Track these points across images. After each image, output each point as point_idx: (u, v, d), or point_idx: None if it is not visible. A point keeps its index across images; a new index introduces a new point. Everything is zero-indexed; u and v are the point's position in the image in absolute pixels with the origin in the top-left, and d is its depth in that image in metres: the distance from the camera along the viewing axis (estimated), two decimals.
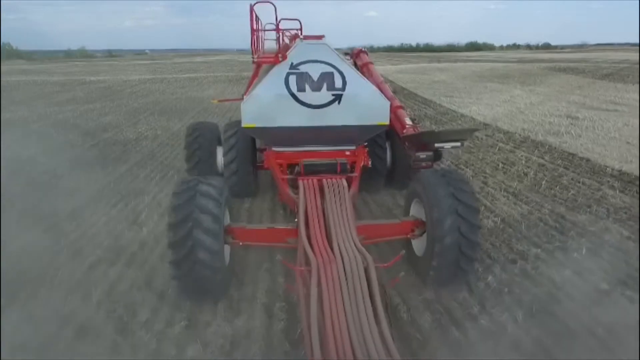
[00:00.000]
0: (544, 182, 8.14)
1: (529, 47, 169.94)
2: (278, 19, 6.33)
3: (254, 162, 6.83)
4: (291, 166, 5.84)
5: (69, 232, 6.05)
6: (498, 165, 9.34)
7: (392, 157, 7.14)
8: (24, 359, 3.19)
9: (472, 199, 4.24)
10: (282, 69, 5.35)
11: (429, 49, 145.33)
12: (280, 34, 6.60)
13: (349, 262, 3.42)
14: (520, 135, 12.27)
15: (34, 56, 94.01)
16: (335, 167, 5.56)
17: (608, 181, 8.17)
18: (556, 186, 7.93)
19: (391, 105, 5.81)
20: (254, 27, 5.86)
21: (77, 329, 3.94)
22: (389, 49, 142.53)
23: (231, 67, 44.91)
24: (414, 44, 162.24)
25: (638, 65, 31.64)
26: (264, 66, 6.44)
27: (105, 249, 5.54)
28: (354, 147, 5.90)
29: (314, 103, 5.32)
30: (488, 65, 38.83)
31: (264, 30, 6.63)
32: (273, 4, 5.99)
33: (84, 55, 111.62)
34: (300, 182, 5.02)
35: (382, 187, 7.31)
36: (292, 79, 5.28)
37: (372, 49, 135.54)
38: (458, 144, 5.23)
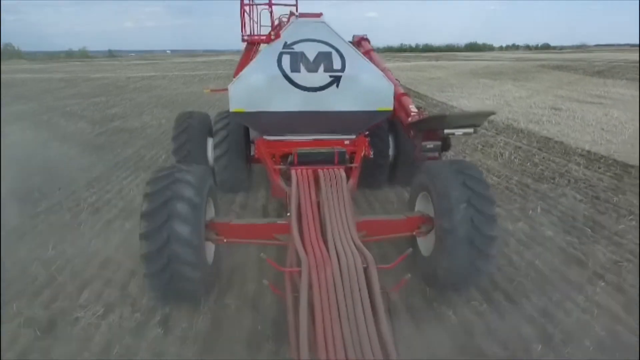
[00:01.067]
0: (517, 160, 8.92)
1: (528, 47, 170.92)
2: None
3: (247, 154, 6.36)
4: (284, 157, 5.28)
5: (87, 196, 6.83)
6: (477, 147, 10.11)
7: (395, 150, 6.70)
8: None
9: (486, 188, 3.80)
10: (274, 48, 4.82)
11: (428, 49, 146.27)
12: (272, 8, 6.07)
13: (345, 262, 3.08)
14: (503, 123, 13.04)
15: (35, 56, 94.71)
16: (332, 156, 5.01)
17: (576, 159, 8.94)
18: (527, 163, 8.70)
19: (395, 93, 5.27)
20: (244, 1, 5.51)
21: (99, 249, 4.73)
22: (389, 50, 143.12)
23: (231, 66, 45.73)
24: (413, 44, 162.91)
25: (638, 65, 32.15)
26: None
27: (120, 209, 6.31)
28: (353, 137, 5.30)
29: (309, 85, 4.76)
30: (483, 64, 39.64)
31: (255, 5, 6.12)
32: None
33: (85, 55, 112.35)
34: (293, 172, 4.62)
35: (385, 183, 6.88)
36: (286, 59, 4.73)
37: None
38: (470, 130, 4.59)
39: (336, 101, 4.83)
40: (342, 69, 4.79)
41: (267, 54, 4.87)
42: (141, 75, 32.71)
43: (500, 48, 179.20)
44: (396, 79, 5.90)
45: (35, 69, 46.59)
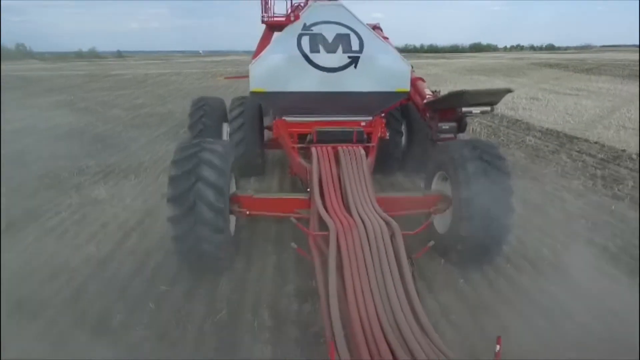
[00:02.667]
0: (484, 134, 10.87)
1: (532, 48, 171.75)
2: None
3: (261, 140, 6.60)
4: (302, 136, 5.32)
5: (139, 156, 8.87)
6: None
7: (407, 138, 6.87)
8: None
9: (507, 178, 3.89)
10: (294, 29, 4.90)
11: (433, 50, 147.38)
12: None
13: (372, 228, 3.21)
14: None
15: (43, 57, 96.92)
16: (351, 135, 5.10)
17: (533, 134, 10.88)
18: (492, 136, 10.66)
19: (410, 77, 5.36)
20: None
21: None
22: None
23: (238, 66, 47.76)
24: (418, 45, 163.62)
25: (638, 65, 33.56)
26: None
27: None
28: (370, 118, 5.35)
29: (328, 66, 4.81)
30: (480, 61, 41.46)
31: None
32: None
33: (94, 55, 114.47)
34: (314, 149, 4.75)
35: (397, 170, 7.04)
36: (305, 40, 4.79)
37: None
38: (488, 108, 4.66)
39: (354, 82, 4.88)
40: (361, 50, 4.83)
41: (286, 35, 4.93)
42: (157, 72, 34.85)
43: (505, 49, 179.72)
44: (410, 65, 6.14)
45: (51, 67, 48.91)
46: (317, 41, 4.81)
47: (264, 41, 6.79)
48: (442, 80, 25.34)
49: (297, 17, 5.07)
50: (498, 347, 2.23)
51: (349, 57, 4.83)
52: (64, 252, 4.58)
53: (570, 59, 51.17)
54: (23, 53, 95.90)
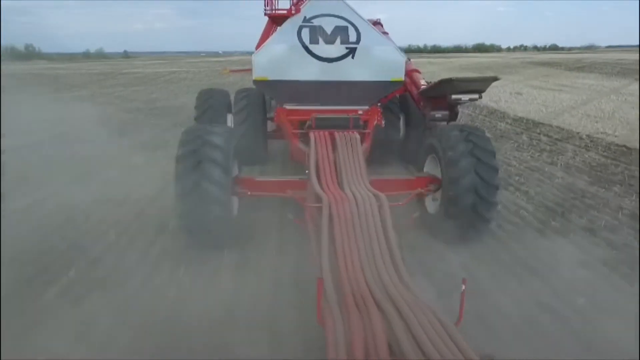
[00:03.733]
0: (462, 121, 12.35)
1: (536, 48, 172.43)
2: None
3: (264, 130, 6.80)
4: (302, 123, 5.63)
5: (163, 136, 10.44)
6: None
7: (405, 128, 7.11)
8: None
9: (492, 158, 4.13)
10: (295, 21, 5.21)
11: (436, 50, 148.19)
12: None
13: (361, 200, 3.43)
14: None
15: (50, 57, 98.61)
16: (347, 121, 5.37)
17: (506, 121, 12.38)
18: (472, 121, 12.15)
19: (406, 69, 5.67)
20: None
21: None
22: None
23: (243, 65, 49.46)
24: (422, 45, 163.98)
25: (638, 66, 34.63)
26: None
27: None
28: (367, 107, 5.61)
29: (327, 56, 5.12)
30: (477, 60, 42.85)
31: None
32: None
33: (102, 56, 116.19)
34: (312, 134, 5.00)
35: (395, 160, 7.23)
36: (305, 32, 5.10)
37: None
38: (476, 95, 5.00)
39: (351, 71, 5.17)
40: (358, 42, 5.12)
41: (288, 27, 5.24)
42: (167, 70, 36.54)
43: (508, 49, 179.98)
44: (408, 58, 6.37)
45: (65, 67, 50.78)
46: (316, 33, 5.11)
47: (266, 33, 7.03)
48: (438, 77, 26.82)
49: (298, 11, 5.37)
50: (463, 287, 2.47)
51: (347, 47, 5.12)
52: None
53: (568, 58, 52.43)
54: (32, 54, 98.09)
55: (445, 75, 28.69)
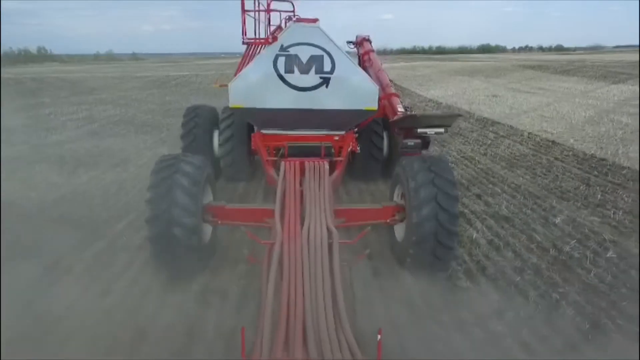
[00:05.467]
0: None
1: (541, 49, 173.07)
2: (269, 1, 6.37)
3: (249, 147, 6.69)
4: (278, 149, 5.80)
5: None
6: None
7: (389, 146, 7.25)
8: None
9: (452, 188, 4.20)
10: (271, 50, 5.26)
11: (441, 51, 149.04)
12: (270, 14, 6.44)
13: (314, 238, 3.49)
14: (445, 103, 18.56)
15: (65, 59, 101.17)
16: (319, 150, 5.51)
17: (469, 121, 14.45)
18: None
19: (385, 92, 5.91)
20: (244, 7, 5.78)
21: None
22: (402, 52, 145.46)
23: None
24: (426, 46, 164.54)
25: (638, 66, 35.91)
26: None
27: None
28: (342, 133, 5.76)
29: (301, 85, 5.21)
30: (470, 64, 44.78)
31: (257, 11, 6.47)
32: None
33: (111, 58, 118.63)
34: (282, 164, 5.08)
35: (379, 176, 7.40)
36: (281, 61, 5.19)
37: (385, 52, 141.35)
38: (442, 130, 5.08)
39: (326, 100, 5.27)
40: (332, 71, 5.22)
41: (264, 55, 5.34)
42: (177, 74, 38.89)
43: (513, 50, 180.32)
44: (390, 80, 6.60)
45: (79, 70, 53.40)
46: (292, 62, 5.22)
47: (245, 59, 7.13)
48: (428, 81, 28.94)
49: (275, 39, 5.45)
50: (379, 336, 2.51)
51: (321, 77, 5.23)
52: None
53: (566, 59, 53.99)
54: (45, 56, 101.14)
55: (436, 77, 30.83)
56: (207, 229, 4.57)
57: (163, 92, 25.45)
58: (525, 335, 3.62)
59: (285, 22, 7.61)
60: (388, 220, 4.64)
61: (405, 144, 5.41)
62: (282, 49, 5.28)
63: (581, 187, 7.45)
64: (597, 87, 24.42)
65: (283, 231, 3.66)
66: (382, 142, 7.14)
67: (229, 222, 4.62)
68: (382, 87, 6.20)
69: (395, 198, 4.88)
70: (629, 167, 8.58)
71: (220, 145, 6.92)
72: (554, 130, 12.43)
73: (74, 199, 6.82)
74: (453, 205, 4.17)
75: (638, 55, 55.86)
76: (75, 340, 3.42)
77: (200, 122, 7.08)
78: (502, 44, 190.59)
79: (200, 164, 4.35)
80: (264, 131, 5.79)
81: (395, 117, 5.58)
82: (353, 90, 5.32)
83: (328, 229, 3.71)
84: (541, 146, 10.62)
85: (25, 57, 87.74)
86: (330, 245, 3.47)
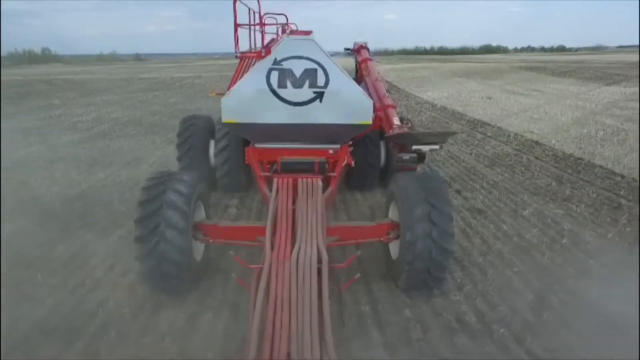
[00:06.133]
0: (427, 121, 15.21)
1: (543, 49, 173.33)
2: (262, 15, 6.22)
3: (244, 157, 6.55)
4: (272, 163, 5.78)
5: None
6: (408, 116, 16.38)
7: (386, 155, 7.22)
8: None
9: (446, 205, 4.19)
10: (264, 64, 5.27)
11: (442, 51, 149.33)
12: (264, 28, 6.12)
13: (303, 263, 3.46)
14: (440, 105, 19.28)
15: (69, 60, 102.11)
16: (313, 166, 5.50)
17: (460, 122, 15.17)
18: (433, 123, 14.99)
19: (382, 104, 5.82)
20: (237, 22, 5.64)
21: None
22: (404, 52, 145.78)
23: None
24: (428, 46, 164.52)
25: (637, 67, 36.31)
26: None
27: None
28: (337, 146, 5.75)
29: (294, 100, 5.22)
30: (469, 65, 45.44)
31: (250, 25, 6.31)
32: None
33: (115, 59, 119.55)
34: (275, 180, 5.08)
35: (376, 186, 7.44)
36: (274, 75, 5.18)
37: (387, 52, 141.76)
38: (436, 146, 5.08)
39: (319, 115, 5.23)
40: (326, 86, 5.18)
41: (257, 69, 5.31)
42: (181, 75, 39.71)
43: (515, 50, 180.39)
44: (387, 90, 6.52)
45: (85, 71, 54.32)
46: (285, 76, 5.17)
47: (239, 72, 7.08)
48: (426, 82, 29.65)
49: (268, 52, 5.39)
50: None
51: (315, 91, 5.18)
52: None
53: (564, 60, 54.56)
54: (49, 56, 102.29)
55: (434, 79, 31.51)
56: (199, 247, 4.55)
57: (168, 94, 26.21)
58: (479, 303, 4.36)
59: (281, 33, 7.53)
60: (382, 239, 4.59)
61: (400, 158, 5.29)
62: (276, 62, 5.23)
63: (553, 183, 8.17)
64: (590, 88, 25.06)
65: (272, 255, 3.62)
66: (379, 151, 7.13)
67: (221, 240, 4.58)
68: (379, 98, 6.15)
69: (390, 215, 4.84)
70: (600, 166, 9.30)
71: (216, 155, 6.93)
72: (539, 132, 13.13)
73: (94, 194, 7.59)
74: (447, 223, 4.13)
75: (638, 55, 56.65)
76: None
77: (195, 132, 7.09)
78: (505, 44, 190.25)
79: (191, 180, 4.35)
80: (258, 145, 5.75)
81: (390, 133, 5.46)
82: (347, 105, 5.27)
83: (319, 252, 3.67)
84: (524, 146, 11.33)
85: (29, 58, 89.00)
86: (319, 270, 3.42)
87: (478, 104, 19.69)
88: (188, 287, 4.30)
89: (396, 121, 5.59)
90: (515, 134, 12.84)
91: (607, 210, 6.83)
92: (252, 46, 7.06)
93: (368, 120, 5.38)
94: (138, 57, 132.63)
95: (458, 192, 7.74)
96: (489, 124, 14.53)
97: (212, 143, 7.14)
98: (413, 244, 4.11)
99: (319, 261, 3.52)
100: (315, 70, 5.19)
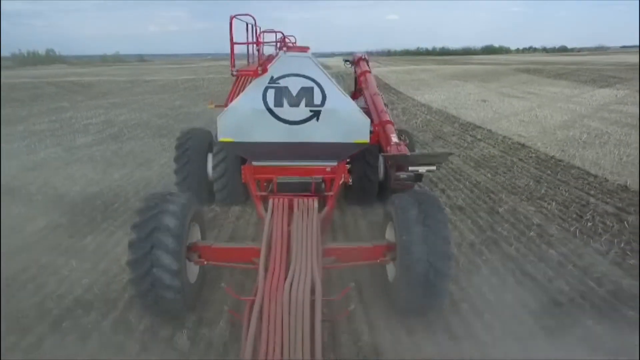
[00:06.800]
0: (421, 124, 15.95)
1: (545, 50, 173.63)
2: (258, 32, 6.45)
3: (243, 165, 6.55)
4: (268, 182, 5.78)
5: None
6: (403, 119, 17.15)
7: (385, 169, 7.18)
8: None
9: (444, 227, 4.09)
10: (261, 82, 5.26)
11: (445, 52, 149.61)
12: (261, 47, 6.36)
13: (296, 294, 3.43)
14: (435, 108, 20.02)
15: (73, 61, 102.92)
16: (309, 186, 5.49)
17: (453, 125, 15.90)
18: (427, 125, 15.73)
19: (380, 120, 5.80)
20: (233, 39, 5.67)
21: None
22: (406, 53, 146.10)
23: None
24: (430, 47, 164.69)
25: (637, 68, 36.83)
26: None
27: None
28: (334, 163, 5.74)
29: (291, 119, 5.19)
30: (468, 67, 46.12)
31: (248, 44, 6.49)
32: (252, 17, 5.94)
33: (118, 60, 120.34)
34: (271, 201, 5.04)
35: (375, 200, 7.37)
36: (271, 94, 5.18)
37: (389, 53, 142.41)
38: (433, 167, 5.08)
39: (316, 133, 5.21)
40: (322, 104, 5.16)
41: (254, 88, 5.28)
42: (185, 78, 40.53)
43: (517, 50, 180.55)
44: (385, 104, 6.50)
45: (92, 72, 55.25)
46: (281, 94, 5.18)
47: (235, 88, 7.11)
48: (424, 85, 30.39)
49: (265, 70, 5.36)
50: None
51: (311, 110, 5.17)
52: None
53: (563, 62, 55.16)
54: (53, 58, 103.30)
55: (433, 82, 32.25)
56: (194, 269, 4.53)
57: (173, 97, 27.02)
58: (451, 287, 5.10)
59: (279, 47, 7.79)
60: (379, 261, 4.51)
61: (398, 177, 5.15)
62: (272, 80, 5.25)
63: (531, 183, 8.91)
64: (583, 91, 25.77)
65: (265, 285, 3.58)
66: (377, 166, 7.05)
67: (216, 262, 4.55)
68: (377, 113, 6.09)
69: (387, 235, 4.76)
70: (578, 167, 10.02)
71: (214, 168, 6.97)
72: (527, 134, 13.86)
73: (112, 192, 8.38)
74: (445, 246, 4.02)
75: (638, 56, 56.96)
76: None
77: (193, 146, 7.11)
78: (507, 44, 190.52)
79: (186, 202, 4.33)
80: (254, 163, 5.74)
81: (388, 152, 5.36)
82: (344, 123, 5.27)
83: (313, 281, 3.61)
84: (510, 148, 12.07)
85: (34, 60, 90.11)
86: (312, 303, 3.37)
87: (472, 107, 20.41)
88: (182, 309, 4.25)
89: (394, 138, 5.47)
90: (504, 136, 13.57)
91: (574, 207, 7.56)
92: (250, 61, 7.19)
93: (365, 138, 5.39)
94: (141, 58, 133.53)
95: (442, 191, 8.49)
96: (480, 127, 15.25)
97: (209, 157, 7.15)
98: (409, 266, 4.00)
99: (312, 293, 3.48)
100: (312, 88, 5.21)
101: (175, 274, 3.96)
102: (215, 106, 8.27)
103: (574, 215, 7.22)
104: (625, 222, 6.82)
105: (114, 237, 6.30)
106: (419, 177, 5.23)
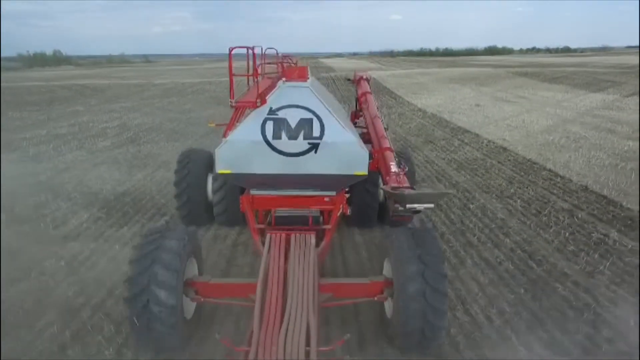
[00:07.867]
0: (415, 128, 17.17)
1: (548, 50, 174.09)
2: (257, 63, 6.36)
3: (242, 192, 6.44)
4: (267, 212, 5.76)
5: (202, 140, 15.48)
6: (399, 122, 18.37)
7: (385, 193, 6.94)
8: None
9: (440, 264, 4.11)
10: (260, 114, 5.22)
11: (448, 53, 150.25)
12: (258, 78, 6.17)
13: (290, 346, 3.40)
14: (430, 112, 21.23)
15: (79, 62, 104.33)
16: (307, 219, 5.49)
17: (444, 129, 17.11)
18: (420, 130, 16.95)
19: (380, 146, 5.73)
20: (233, 70, 5.55)
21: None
22: (409, 54, 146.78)
23: None
24: (433, 48, 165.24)
25: (638, 68, 37.85)
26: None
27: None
28: (333, 193, 5.71)
29: (289, 151, 5.16)
30: (467, 70, 47.21)
31: (247, 76, 6.34)
32: (249, 48, 6.02)
33: (124, 61, 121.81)
34: (268, 236, 5.10)
35: (375, 223, 7.41)
36: (269, 125, 5.14)
37: (393, 54, 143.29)
38: (431, 205, 4.95)
39: (314, 165, 5.21)
40: (321, 136, 5.13)
41: (252, 120, 5.25)
42: (192, 81, 41.93)
43: (520, 51, 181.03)
44: (385, 128, 6.39)
45: (94, 74, 56.76)
46: (280, 126, 5.13)
47: (234, 118, 7.09)
48: (422, 89, 31.61)
49: (264, 102, 5.32)
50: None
51: (310, 143, 5.15)
52: None
53: (562, 63, 56.08)
54: (60, 59, 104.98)
55: (431, 85, 33.43)
56: (190, 305, 4.54)
57: (182, 101, 28.34)
58: None
59: (279, 69, 7.95)
60: (376, 298, 4.50)
61: (396, 209, 5.08)
62: (271, 112, 5.24)
63: (503, 183, 10.14)
64: (573, 95, 26.90)
65: (260, 333, 3.57)
66: (376, 190, 7.03)
67: (212, 299, 4.55)
68: (377, 139, 6.02)
69: (384, 271, 4.76)
70: (550, 169, 11.25)
71: (214, 192, 7.04)
72: (510, 139, 15.07)
73: (138, 190, 9.68)
74: (441, 282, 4.04)
75: (638, 57, 57.51)
76: None
77: (192, 170, 7.14)
78: (510, 45, 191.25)
79: (184, 237, 4.36)
80: (252, 192, 5.77)
81: (387, 186, 5.19)
82: (342, 156, 5.25)
83: (308, 330, 3.60)
84: (493, 152, 13.29)
85: (42, 60, 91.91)
86: (307, 353, 3.37)
87: (466, 111, 21.60)
88: (179, 345, 4.26)
89: (393, 167, 5.35)
90: (489, 140, 14.79)
91: (536, 204, 8.79)
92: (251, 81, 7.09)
93: (364, 170, 5.39)
94: (146, 59, 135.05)
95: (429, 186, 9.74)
96: (469, 132, 16.45)
97: (209, 179, 7.19)
98: (406, 304, 4.01)
99: (308, 344, 3.45)
100: (311, 120, 5.19)
101: (173, 311, 4.01)
102: (216, 125, 8.55)
103: (534, 211, 8.45)
104: (575, 217, 8.06)
105: (146, 228, 7.58)
106: (417, 210, 5.16)
